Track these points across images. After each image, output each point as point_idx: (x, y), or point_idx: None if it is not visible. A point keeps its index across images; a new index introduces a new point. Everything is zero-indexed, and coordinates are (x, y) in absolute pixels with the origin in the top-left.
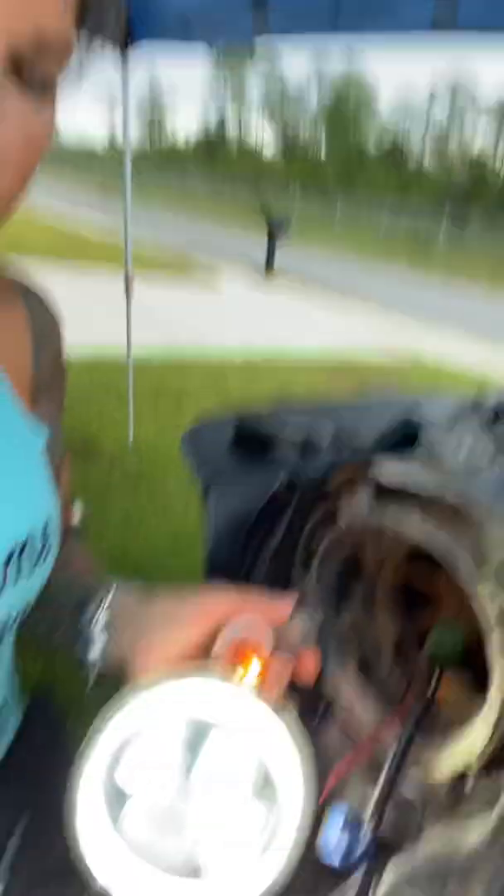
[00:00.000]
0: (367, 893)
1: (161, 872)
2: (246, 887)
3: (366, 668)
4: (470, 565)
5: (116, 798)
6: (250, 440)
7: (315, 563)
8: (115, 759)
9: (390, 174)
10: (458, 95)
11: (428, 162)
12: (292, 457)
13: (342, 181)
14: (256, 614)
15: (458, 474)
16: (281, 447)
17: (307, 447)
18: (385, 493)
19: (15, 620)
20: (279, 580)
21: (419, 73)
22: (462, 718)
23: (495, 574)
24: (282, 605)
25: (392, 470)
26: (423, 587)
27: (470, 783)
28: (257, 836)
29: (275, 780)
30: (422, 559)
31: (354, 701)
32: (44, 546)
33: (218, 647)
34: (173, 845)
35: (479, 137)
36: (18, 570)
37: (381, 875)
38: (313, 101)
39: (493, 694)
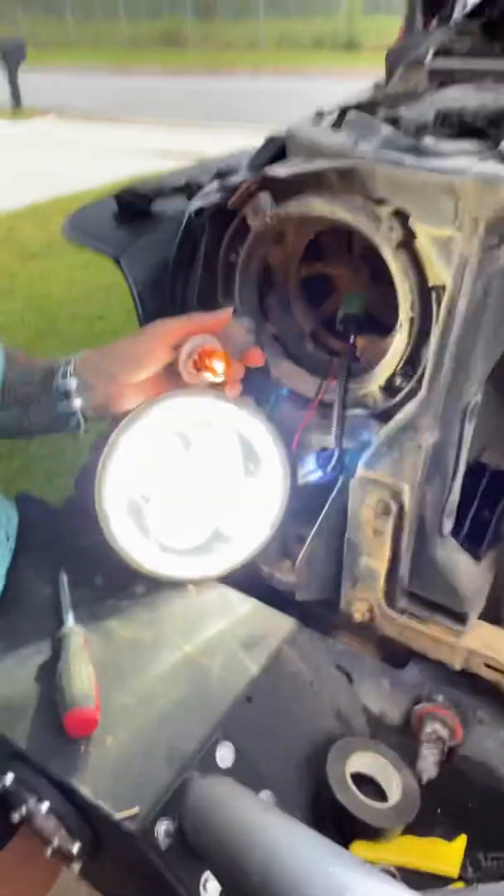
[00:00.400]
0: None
1: (185, 548)
2: (255, 540)
3: (294, 357)
4: (365, 216)
5: (136, 504)
6: (135, 205)
7: (236, 282)
8: (129, 475)
9: None
10: None
11: None
12: (181, 203)
13: None
14: (204, 329)
15: (340, 147)
16: (166, 196)
17: (193, 189)
18: (281, 192)
19: None
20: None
21: None
22: (381, 353)
23: (387, 218)
24: (222, 317)
25: (282, 167)
26: (325, 271)
27: (397, 381)
28: (256, 504)
29: (261, 453)
30: (318, 257)
31: (294, 378)
32: None
33: (183, 361)
34: (190, 528)
35: None
36: None
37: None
38: None
39: (402, 306)
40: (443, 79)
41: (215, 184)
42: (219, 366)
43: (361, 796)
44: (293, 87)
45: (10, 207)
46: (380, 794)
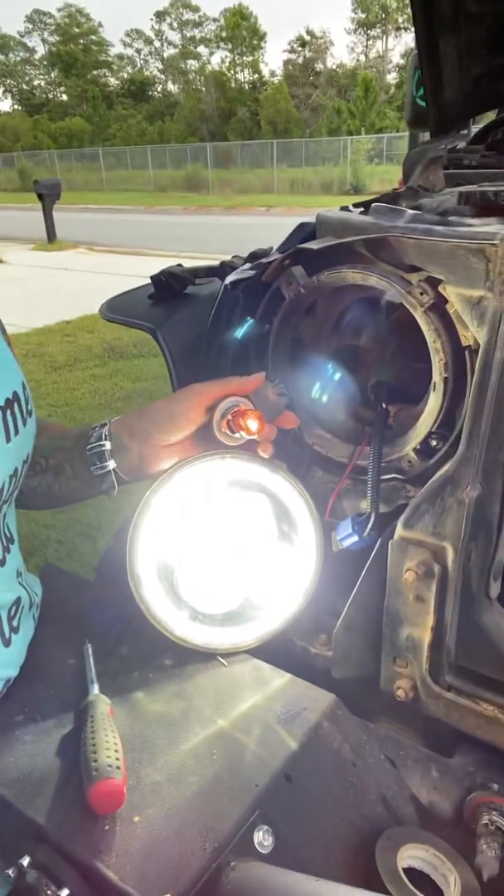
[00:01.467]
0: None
1: (217, 615)
2: (287, 609)
3: (325, 425)
4: (396, 282)
5: (167, 568)
6: (171, 286)
7: (269, 351)
8: (161, 536)
9: (140, 110)
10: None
11: (172, 86)
12: (214, 287)
13: (99, 132)
14: (238, 391)
15: (370, 223)
16: (201, 277)
17: (227, 271)
18: (313, 267)
19: (17, 478)
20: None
21: None
22: (413, 419)
23: (418, 283)
24: (254, 380)
25: (315, 242)
26: (354, 344)
27: (433, 442)
28: (289, 570)
29: (292, 521)
30: (347, 331)
31: (327, 445)
32: (27, 402)
33: (217, 420)
34: (221, 593)
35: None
36: (14, 422)
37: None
38: (37, 44)
39: (435, 367)
40: (457, 181)
41: (249, 264)
42: (253, 424)
43: (419, 893)
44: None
45: (40, 325)
46: (434, 891)
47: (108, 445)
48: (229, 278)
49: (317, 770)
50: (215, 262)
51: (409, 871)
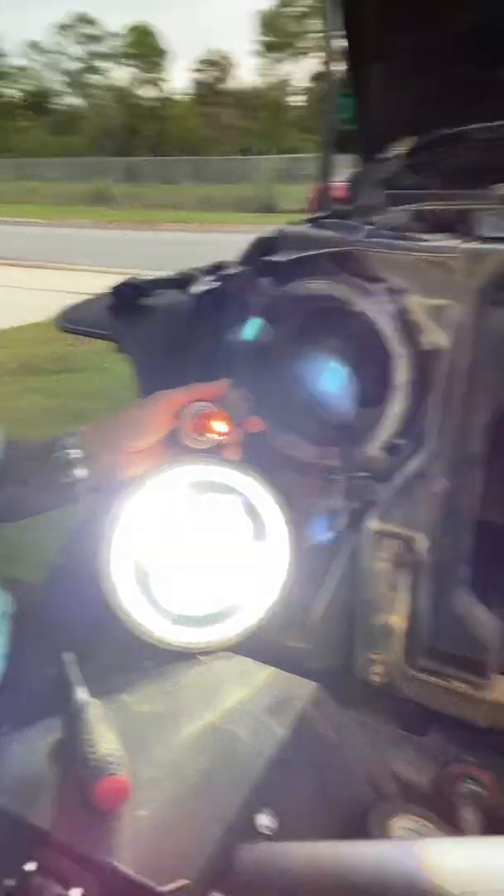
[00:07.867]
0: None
1: (194, 617)
2: (263, 605)
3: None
4: (360, 292)
5: (142, 573)
6: (132, 297)
7: (235, 355)
8: (134, 543)
9: (42, 121)
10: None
11: (76, 99)
12: (174, 297)
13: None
14: (204, 397)
15: (331, 237)
16: (163, 288)
17: (188, 282)
18: (278, 279)
19: None
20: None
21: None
22: (378, 419)
23: (381, 293)
24: (220, 385)
25: (281, 255)
26: (317, 351)
27: (398, 441)
28: (264, 569)
29: (264, 520)
30: (310, 338)
31: (294, 447)
32: None
33: (184, 424)
34: (198, 596)
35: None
36: None
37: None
38: None
39: (399, 370)
40: (397, 200)
41: (212, 276)
42: (220, 426)
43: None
44: (217, 238)
45: None
46: None
47: (75, 454)
48: (195, 290)
49: (307, 754)
50: (172, 273)
51: None
